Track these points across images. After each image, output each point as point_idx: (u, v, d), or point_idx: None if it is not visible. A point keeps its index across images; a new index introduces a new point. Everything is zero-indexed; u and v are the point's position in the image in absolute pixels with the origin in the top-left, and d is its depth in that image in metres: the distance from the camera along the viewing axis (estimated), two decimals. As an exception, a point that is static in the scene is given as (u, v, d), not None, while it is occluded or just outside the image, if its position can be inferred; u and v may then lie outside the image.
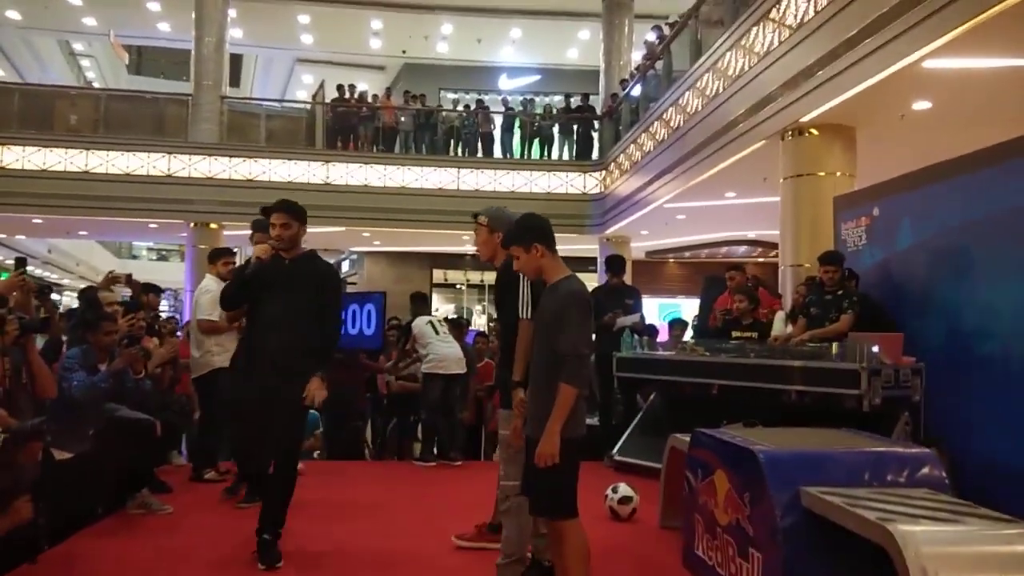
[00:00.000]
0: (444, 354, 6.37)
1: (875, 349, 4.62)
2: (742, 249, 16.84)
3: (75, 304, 9.70)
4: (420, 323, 6.55)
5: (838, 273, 5.56)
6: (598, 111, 15.28)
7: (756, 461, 2.82)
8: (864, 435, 3.30)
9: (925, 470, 2.82)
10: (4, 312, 3.63)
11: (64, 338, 5.12)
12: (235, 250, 6.31)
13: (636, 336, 6.22)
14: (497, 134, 15.28)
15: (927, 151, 6.08)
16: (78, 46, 21.98)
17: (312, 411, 6.40)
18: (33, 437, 3.52)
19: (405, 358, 6.92)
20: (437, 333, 6.46)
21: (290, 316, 3.66)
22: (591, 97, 15.68)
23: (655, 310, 16.09)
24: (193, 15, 14.66)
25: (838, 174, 7.28)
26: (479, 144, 15.28)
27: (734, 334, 5.90)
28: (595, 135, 15.21)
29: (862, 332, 5.07)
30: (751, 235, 15.47)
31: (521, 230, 3.00)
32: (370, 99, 15.52)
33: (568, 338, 2.76)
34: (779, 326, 6.18)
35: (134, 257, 31.99)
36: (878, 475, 2.78)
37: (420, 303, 7.02)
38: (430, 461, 6.30)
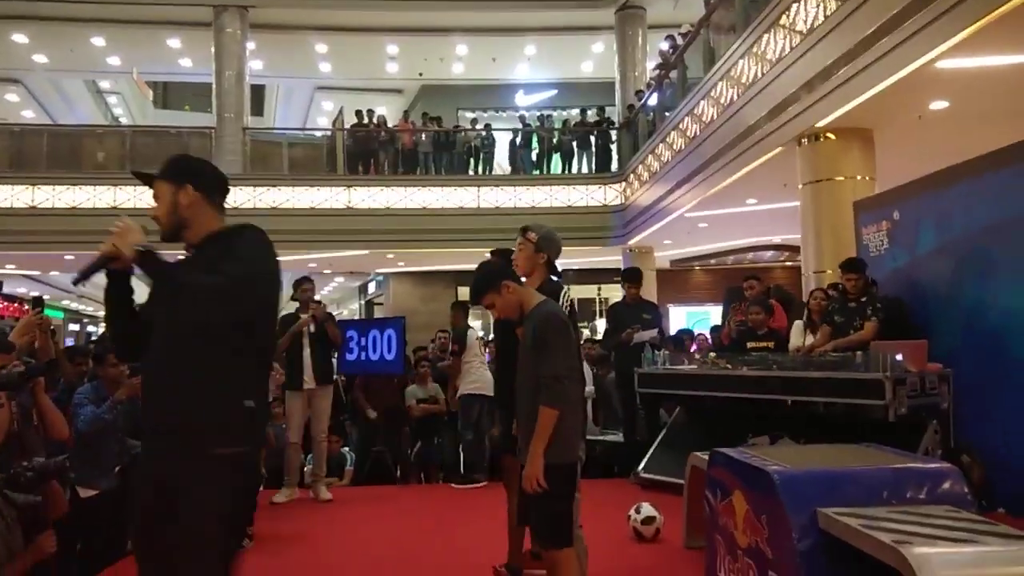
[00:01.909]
0: (486, 375, 6.24)
1: (899, 357, 4.54)
2: (768, 254, 16.68)
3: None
4: (472, 335, 6.50)
5: (861, 280, 5.49)
6: (615, 122, 15.29)
7: (772, 482, 2.77)
8: (885, 450, 3.23)
9: (946, 485, 2.75)
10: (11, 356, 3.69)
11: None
12: None
13: (656, 351, 6.17)
14: (506, 150, 15.39)
15: (947, 151, 5.99)
16: (104, 84, 22.49)
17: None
18: (55, 475, 3.59)
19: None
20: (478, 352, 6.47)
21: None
22: (607, 109, 15.69)
23: (683, 319, 16.00)
24: (212, 49, 14.97)
25: (857, 178, 7.18)
26: (494, 161, 15.43)
27: (749, 345, 5.84)
28: (613, 147, 15.21)
29: (886, 340, 5.00)
30: (776, 240, 15.31)
31: (485, 276, 3.03)
32: (389, 123, 15.69)
33: (546, 362, 2.81)
34: (797, 336, 6.10)
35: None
36: (898, 492, 2.71)
37: (463, 313, 6.69)
38: (477, 483, 6.25)
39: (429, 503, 5.87)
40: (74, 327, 27.68)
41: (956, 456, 4.28)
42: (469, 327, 6.54)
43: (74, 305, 26.11)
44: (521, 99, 20.35)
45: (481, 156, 15.50)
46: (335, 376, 6.50)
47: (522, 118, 16.30)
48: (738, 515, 3.10)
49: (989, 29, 5.00)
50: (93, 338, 24.25)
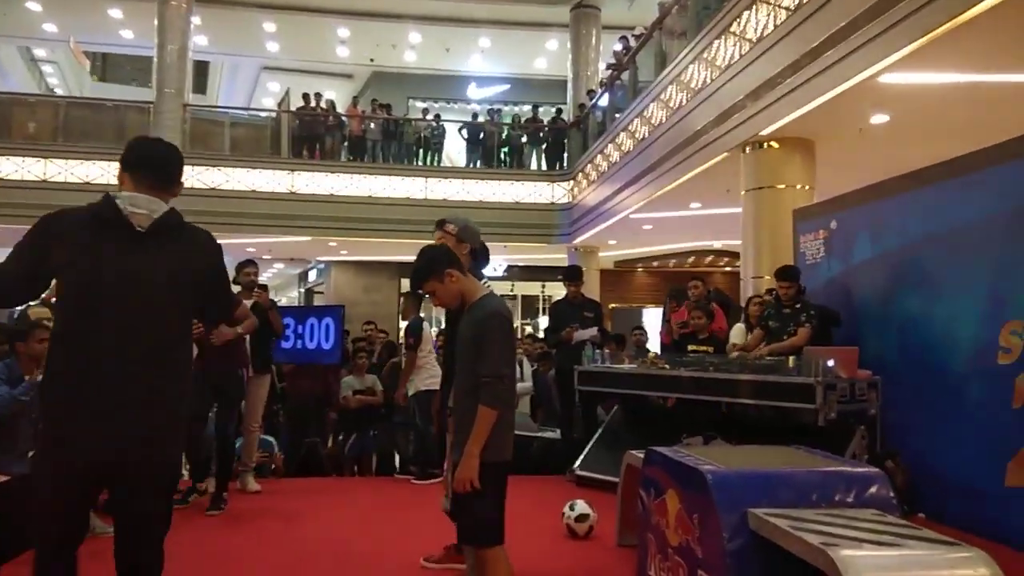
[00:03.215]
0: (437, 369, 5.89)
1: (830, 363, 4.63)
2: (708, 258, 16.98)
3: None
4: (427, 328, 6.31)
5: (794, 288, 5.61)
6: (560, 120, 15.34)
7: (704, 481, 2.77)
8: (816, 453, 3.28)
9: (873, 489, 2.80)
10: None
11: None
12: None
13: (596, 349, 6.18)
14: (455, 142, 15.31)
15: (886, 164, 6.15)
16: (40, 52, 21.55)
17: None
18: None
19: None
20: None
21: None
22: (558, 106, 15.73)
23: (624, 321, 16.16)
24: (155, 22, 14.46)
25: (798, 187, 7.34)
26: (443, 152, 15.33)
27: (690, 348, 5.91)
28: (565, 144, 15.26)
29: (818, 345, 5.10)
30: (717, 245, 15.60)
31: (429, 262, 2.89)
32: (337, 108, 15.42)
33: (488, 360, 2.71)
34: (738, 337, 6.19)
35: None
36: (826, 495, 2.75)
37: (416, 304, 6.45)
38: (435, 478, 5.80)
39: (383, 496, 5.76)
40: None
41: (881, 461, 4.39)
42: (423, 319, 6.38)
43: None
44: (473, 92, 20.27)
45: (431, 147, 15.36)
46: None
47: (475, 114, 16.21)
48: (670, 514, 3.11)
49: (932, 46, 5.15)
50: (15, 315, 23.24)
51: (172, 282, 2.26)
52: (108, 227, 2.20)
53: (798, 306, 5.58)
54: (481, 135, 15.46)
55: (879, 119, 6.80)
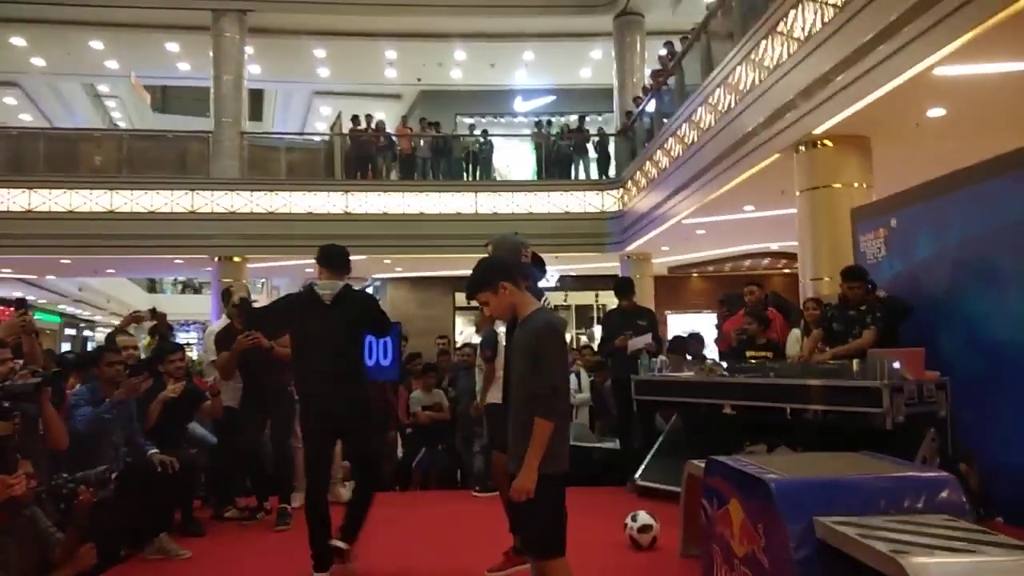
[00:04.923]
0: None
1: (896, 365, 4.51)
2: (765, 261, 16.67)
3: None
4: (501, 339, 6.29)
5: (861, 288, 5.46)
6: (607, 130, 15.32)
7: (768, 490, 2.74)
8: (882, 458, 3.21)
9: (944, 494, 2.72)
10: (14, 363, 3.66)
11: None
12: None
13: (652, 357, 6.14)
14: (503, 155, 15.46)
15: (945, 158, 5.99)
16: (103, 88, 22.48)
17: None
18: (98, 486, 3.57)
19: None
20: None
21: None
22: (604, 115, 15.71)
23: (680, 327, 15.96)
24: (211, 54, 14.96)
25: (855, 185, 7.17)
26: (492, 166, 15.50)
27: (748, 354, 5.82)
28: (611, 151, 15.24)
29: (885, 346, 4.98)
30: (774, 247, 15.31)
31: (483, 274, 2.94)
32: (387, 128, 15.69)
33: (542, 374, 2.75)
34: (794, 346, 6.07)
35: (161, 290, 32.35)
36: (895, 501, 2.69)
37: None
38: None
39: (447, 508, 5.82)
40: (71, 331, 27.58)
41: (953, 465, 4.26)
42: (496, 331, 6.38)
43: (70, 309, 25.99)
44: (519, 104, 20.38)
45: (479, 161, 15.51)
46: None
47: (539, 122, 16.29)
48: (735, 524, 3.08)
49: (986, 36, 5.00)
50: (90, 344, 24.17)
51: (346, 328, 4.05)
52: (311, 302, 4.05)
53: (864, 307, 5.43)
54: (539, 147, 15.58)
55: (936, 113, 6.62)
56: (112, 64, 17.97)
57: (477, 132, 15.98)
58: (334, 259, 4.12)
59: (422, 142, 15.32)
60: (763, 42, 7.94)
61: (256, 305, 5.52)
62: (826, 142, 7.21)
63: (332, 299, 3.98)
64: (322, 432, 4.08)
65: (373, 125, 15.38)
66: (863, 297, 5.45)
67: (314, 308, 4.00)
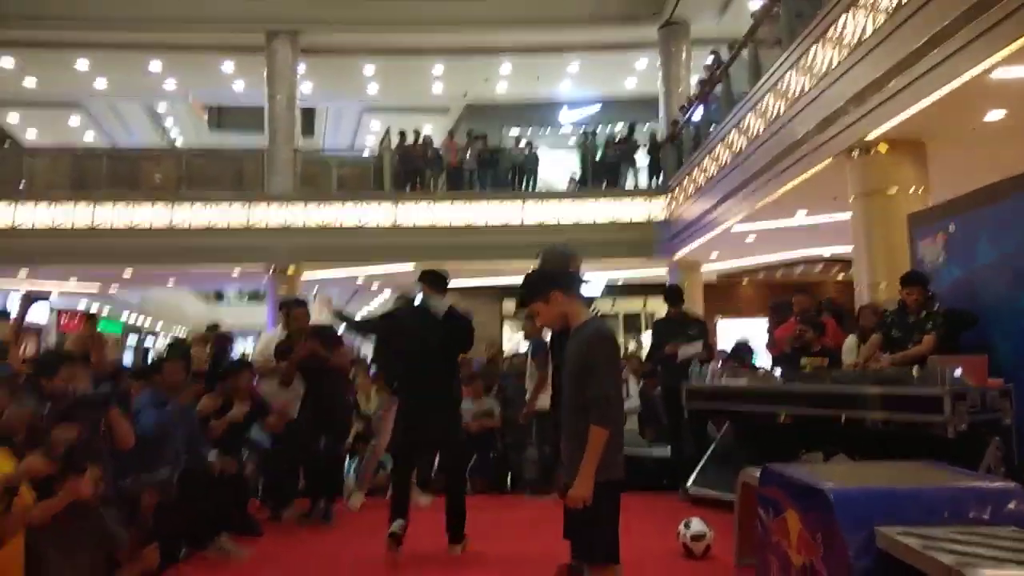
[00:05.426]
0: None
1: (958, 372, 4.42)
2: (818, 267, 16.37)
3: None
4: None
5: (921, 295, 5.35)
6: (659, 138, 15.27)
7: (826, 500, 2.73)
8: (945, 468, 3.16)
9: (1012, 505, 2.66)
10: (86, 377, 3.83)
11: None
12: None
13: (703, 365, 6.11)
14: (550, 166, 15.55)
15: (1003, 162, 5.86)
16: (161, 107, 23.23)
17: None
18: (161, 488, 3.72)
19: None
20: None
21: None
22: (648, 124, 15.69)
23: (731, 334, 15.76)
24: (264, 73, 15.38)
25: (911, 190, 7.05)
26: (538, 177, 15.59)
27: (803, 360, 5.75)
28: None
29: (946, 354, 4.87)
30: (827, 253, 15.03)
31: (537, 283, 2.97)
32: (435, 142, 15.91)
33: (595, 381, 2.77)
34: (850, 353, 5.98)
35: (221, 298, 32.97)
36: (959, 512, 2.64)
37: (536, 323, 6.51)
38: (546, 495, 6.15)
39: (499, 514, 5.87)
40: (132, 340, 28.39)
41: (1020, 474, 4.14)
42: (544, 340, 6.44)
43: (132, 319, 26.78)
44: (565, 116, 20.42)
45: (525, 172, 15.62)
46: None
47: (585, 133, 16.29)
48: (792, 533, 3.06)
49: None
50: (151, 353, 24.88)
51: (452, 341, 4.74)
52: (424, 316, 4.74)
53: (924, 314, 5.32)
54: (585, 157, 15.61)
55: (994, 116, 6.48)
56: (170, 85, 18.58)
57: (523, 144, 16.06)
58: (438, 280, 4.80)
59: (468, 154, 15.49)
60: (812, 48, 7.86)
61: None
62: (880, 147, 7.10)
63: (443, 316, 4.68)
64: (419, 444, 4.77)
65: (421, 139, 15.60)
66: (923, 303, 5.34)
67: (428, 321, 4.68)
